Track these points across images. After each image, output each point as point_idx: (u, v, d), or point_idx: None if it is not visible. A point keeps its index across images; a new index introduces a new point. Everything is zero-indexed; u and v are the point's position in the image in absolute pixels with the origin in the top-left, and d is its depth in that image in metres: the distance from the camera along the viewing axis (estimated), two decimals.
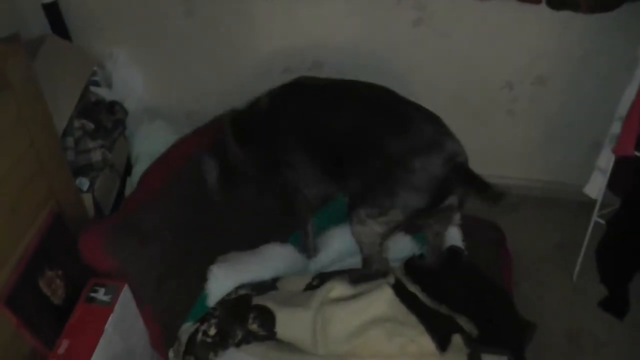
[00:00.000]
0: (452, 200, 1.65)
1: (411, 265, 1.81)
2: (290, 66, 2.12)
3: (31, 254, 1.61)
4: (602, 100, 1.86)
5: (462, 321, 1.67)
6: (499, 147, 2.27)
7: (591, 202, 1.89)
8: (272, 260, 1.82)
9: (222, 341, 1.69)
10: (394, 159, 1.61)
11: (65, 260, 1.72)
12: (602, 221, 1.85)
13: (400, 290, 1.70)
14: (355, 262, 1.84)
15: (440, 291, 1.74)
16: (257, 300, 1.70)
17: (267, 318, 1.65)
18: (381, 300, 1.67)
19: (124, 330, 1.71)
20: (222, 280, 1.75)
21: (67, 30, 2.14)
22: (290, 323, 1.64)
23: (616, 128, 1.69)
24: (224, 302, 1.74)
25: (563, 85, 2.06)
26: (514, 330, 1.79)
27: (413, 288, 1.74)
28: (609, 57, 1.96)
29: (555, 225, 2.18)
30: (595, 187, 1.77)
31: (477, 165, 2.29)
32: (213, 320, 1.70)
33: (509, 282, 1.94)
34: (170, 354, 1.71)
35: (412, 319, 1.64)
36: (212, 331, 1.68)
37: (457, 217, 1.89)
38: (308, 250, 1.93)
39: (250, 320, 1.66)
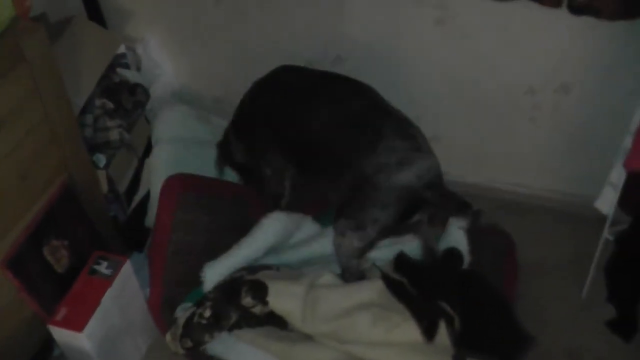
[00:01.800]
0: (420, 216, 1.65)
1: (401, 261, 1.80)
2: (313, 59, 2.13)
3: (38, 222, 1.68)
4: (627, 113, 1.78)
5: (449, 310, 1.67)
6: (519, 154, 2.22)
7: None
8: (261, 233, 1.83)
9: (217, 323, 1.73)
10: (363, 175, 1.63)
11: (72, 231, 1.80)
12: (612, 238, 1.78)
13: (388, 282, 1.71)
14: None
15: (430, 288, 1.73)
16: (250, 277, 1.75)
17: (260, 289, 1.70)
18: (371, 288, 1.71)
19: (122, 303, 1.78)
20: (216, 269, 1.79)
21: (102, 15, 2.22)
22: (282, 293, 1.69)
23: (629, 142, 1.62)
24: (219, 285, 1.78)
25: (587, 95, 1.99)
26: (509, 340, 1.75)
27: (400, 278, 1.74)
28: (637, 68, 1.87)
29: (570, 238, 2.11)
30: (607, 202, 1.70)
31: (496, 171, 2.27)
32: (208, 303, 1.74)
33: (511, 291, 1.90)
34: (168, 337, 1.76)
35: (400, 306, 1.65)
36: (207, 313, 1.73)
37: (463, 222, 1.87)
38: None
39: (243, 294, 1.70)
